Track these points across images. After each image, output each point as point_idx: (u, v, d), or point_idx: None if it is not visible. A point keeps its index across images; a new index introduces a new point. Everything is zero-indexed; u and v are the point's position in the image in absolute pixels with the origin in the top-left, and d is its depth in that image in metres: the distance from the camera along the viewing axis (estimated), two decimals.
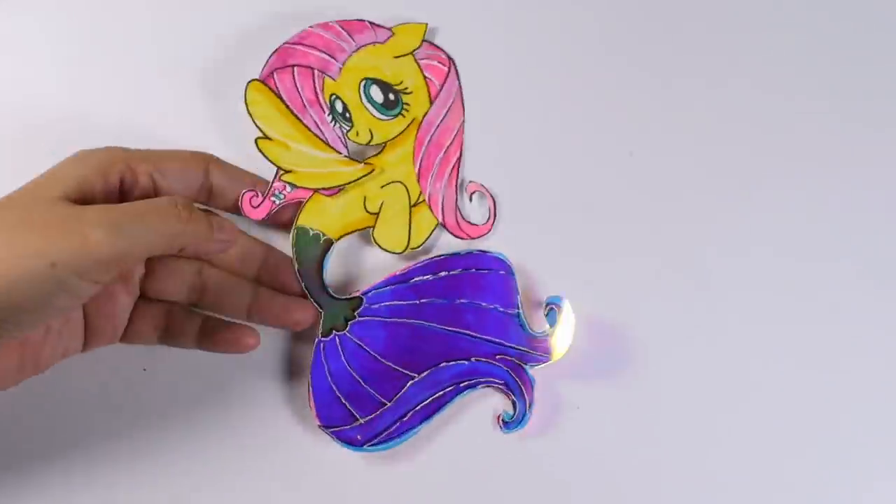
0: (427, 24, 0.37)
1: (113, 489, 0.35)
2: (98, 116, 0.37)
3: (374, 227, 0.37)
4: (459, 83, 0.38)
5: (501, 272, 0.37)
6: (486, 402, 0.36)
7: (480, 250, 0.37)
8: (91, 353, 0.34)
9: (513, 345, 0.36)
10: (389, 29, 0.37)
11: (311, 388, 0.35)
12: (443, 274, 0.37)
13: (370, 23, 0.37)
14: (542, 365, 0.35)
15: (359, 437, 0.35)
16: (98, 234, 0.28)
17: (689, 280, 0.37)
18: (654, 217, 0.38)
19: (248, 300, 0.35)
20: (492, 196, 0.38)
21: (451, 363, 0.36)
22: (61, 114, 0.38)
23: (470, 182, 0.38)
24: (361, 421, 0.35)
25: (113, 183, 0.31)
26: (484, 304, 0.36)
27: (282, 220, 0.36)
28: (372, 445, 0.35)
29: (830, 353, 0.36)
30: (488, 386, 0.36)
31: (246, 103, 0.35)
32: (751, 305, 0.37)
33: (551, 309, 0.36)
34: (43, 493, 0.35)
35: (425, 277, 0.37)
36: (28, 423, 0.36)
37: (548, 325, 0.36)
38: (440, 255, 0.37)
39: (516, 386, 0.35)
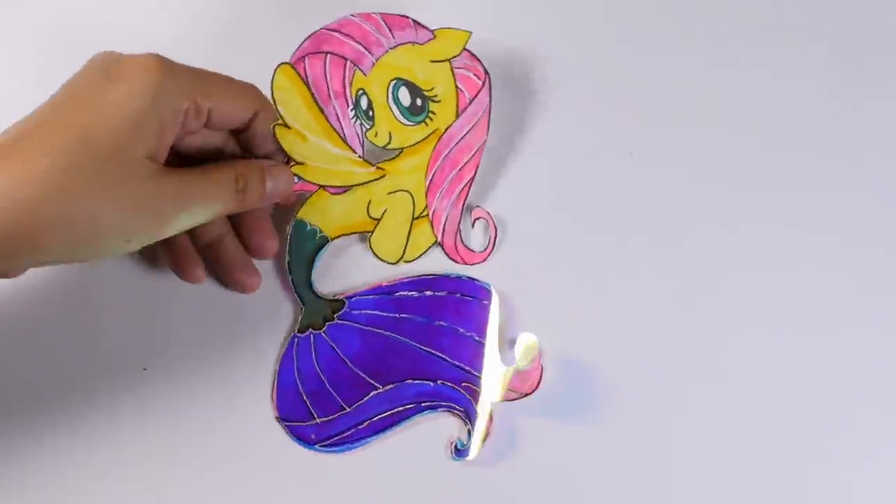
0: (471, 33, 0.35)
1: (112, 489, 0.35)
2: None
3: (372, 233, 0.36)
4: (490, 100, 0.36)
5: (485, 302, 0.37)
6: (444, 426, 0.36)
7: (469, 276, 0.37)
8: (91, 352, 0.35)
9: (480, 374, 0.36)
10: (432, 31, 0.35)
11: (275, 380, 0.36)
12: (428, 293, 0.37)
13: (413, 21, 0.35)
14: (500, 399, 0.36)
15: (313, 435, 0.35)
16: (170, 216, 0.30)
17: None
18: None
19: (216, 234, 0.35)
20: (495, 226, 0.37)
21: (417, 381, 0.36)
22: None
23: (476, 207, 0.37)
24: (318, 421, 0.35)
25: (180, 121, 0.31)
26: (462, 329, 0.36)
27: (288, 204, 0.36)
28: (324, 446, 0.35)
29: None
30: (448, 411, 0.36)
31: (272, 87, 0.33)
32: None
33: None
34: (43, 493, 0.35)
35: (410, 293, 0.36)
36: (27, 423, 0.35)
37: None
38: (429, 274, 0.37)
39: (475, 415, 0.36)
